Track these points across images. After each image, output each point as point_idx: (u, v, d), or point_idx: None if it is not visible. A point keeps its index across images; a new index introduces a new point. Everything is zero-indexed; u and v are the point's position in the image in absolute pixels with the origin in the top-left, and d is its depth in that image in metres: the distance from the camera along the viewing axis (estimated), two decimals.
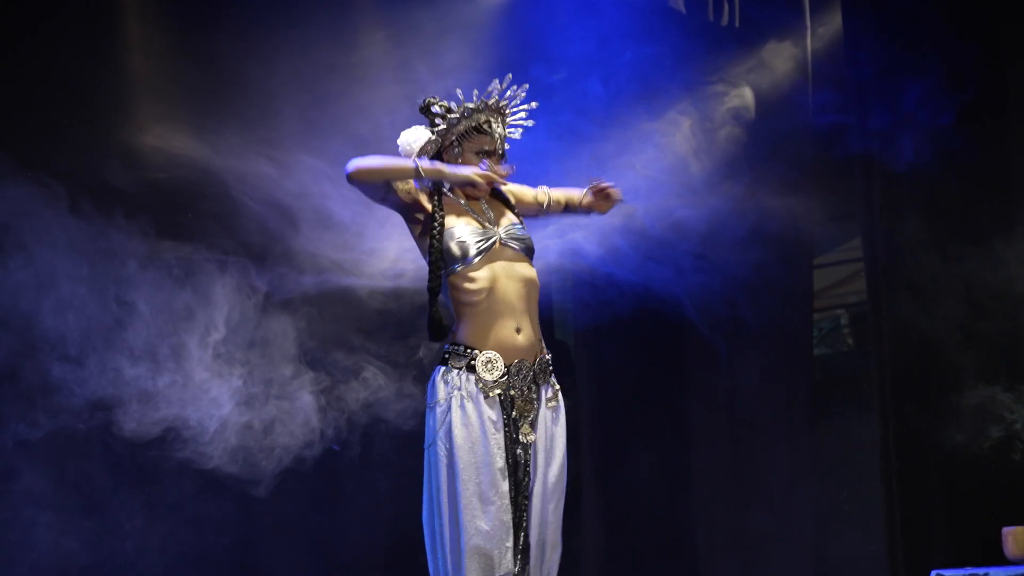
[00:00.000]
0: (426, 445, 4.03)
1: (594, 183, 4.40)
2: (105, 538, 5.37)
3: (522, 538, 3.96)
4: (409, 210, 4.15)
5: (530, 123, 4.33)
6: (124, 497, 5.43)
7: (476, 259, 4.06)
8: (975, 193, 6.65)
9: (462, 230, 4.09)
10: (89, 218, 5.22)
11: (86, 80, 5.39)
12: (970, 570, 5.77)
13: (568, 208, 4.47)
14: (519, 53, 6.21)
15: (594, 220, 5.03)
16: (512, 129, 4.30)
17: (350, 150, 4.96)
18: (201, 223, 5.56)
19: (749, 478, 7.18)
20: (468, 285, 4.06)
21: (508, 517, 3.94)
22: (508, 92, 4.23)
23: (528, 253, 4.18)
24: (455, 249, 4.06)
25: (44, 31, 5.34)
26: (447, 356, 4.07)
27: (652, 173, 6.70)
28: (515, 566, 3.92)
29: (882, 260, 6.85)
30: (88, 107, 5.40)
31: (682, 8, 7.02)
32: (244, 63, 5.63)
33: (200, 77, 5.61)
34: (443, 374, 4.05)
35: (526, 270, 4.14)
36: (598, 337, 6.92)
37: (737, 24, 7.15)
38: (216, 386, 5.41)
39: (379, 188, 4.10)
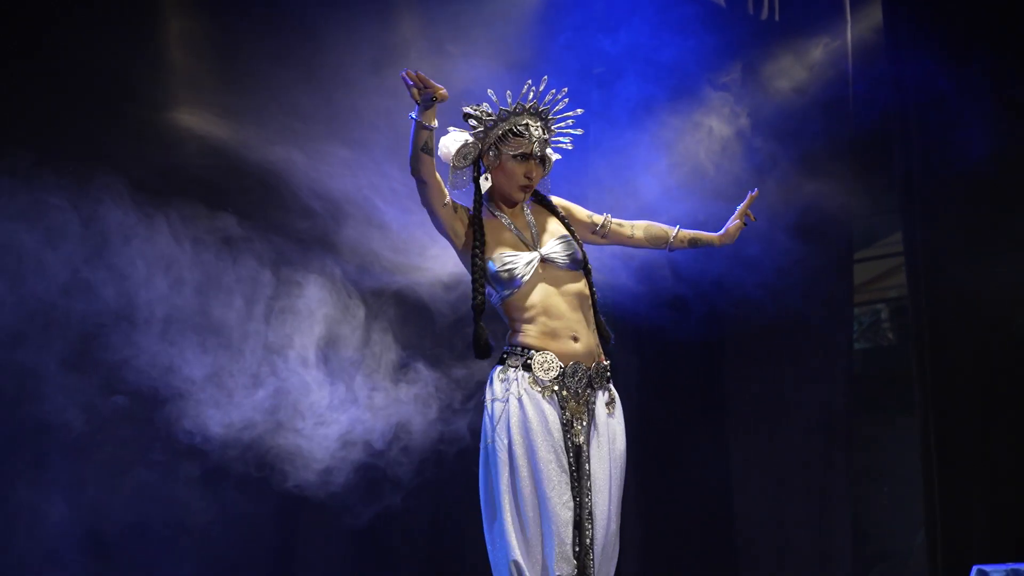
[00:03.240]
0: (484, 442, 4.06)
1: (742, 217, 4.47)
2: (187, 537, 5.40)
3: (587, 537, 3.96)
4: (451, 229, 4.11)
5: (579, 131, 4.29)
6: (206, 497, 5.44)
7: (523, 283, 4.08)
8: (1016, 189, 6.62)
9: (504, 255, 4.09)
10: (153, 210, 5.23)
11: (122, 71, 5.38)
12: (1012, 565, 5.74)
13: (657, 242, 4.44)
14: (554, 45, 6.20)
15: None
16: (561, 138, 4.27)
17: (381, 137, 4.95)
18: (267, 219, 5.56)
19: (789, 473, 7.16)
20: (520, 307, 4.10)
21: (569, 513, 3.95)
22: (548, 96, 4.18)
23: (574, 265, 4.16)
24: (502, 275, 4.08)
25: (78, 23, 5.33)
26: (505, 356, 4.10)
27: (688, 168, 6.70)
28: (574, 563, 3.93)
29: (922, 255, 6.83)
30: (122, 97, 5.38)
31: (721, 1, 7.00)
32: (275, 49, 5.61)
33: (235, 64, 5.60)
34: (499, 372, 4.08)
35: (574, 284, 4.14)
36: (637, 335, 6.92)
37: (777, 18, 7.13)
38: (301, 385, 5.43)
39: (428, 197, 4.05)
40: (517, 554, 3.92)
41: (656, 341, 6.84)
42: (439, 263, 5.75)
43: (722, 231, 4.50)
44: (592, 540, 3.97)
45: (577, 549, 3.94)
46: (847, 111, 7.13)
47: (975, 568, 5.79)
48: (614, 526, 4.09)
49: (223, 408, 5.31)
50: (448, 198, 4.08)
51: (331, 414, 5.52)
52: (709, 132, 6.77)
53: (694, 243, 4.47)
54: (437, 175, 4.04)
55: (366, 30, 5.77)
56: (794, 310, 7.03)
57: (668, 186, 6.55)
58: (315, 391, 5.50)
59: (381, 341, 5.75)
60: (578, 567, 3.94)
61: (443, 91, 3.86)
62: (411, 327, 5.89)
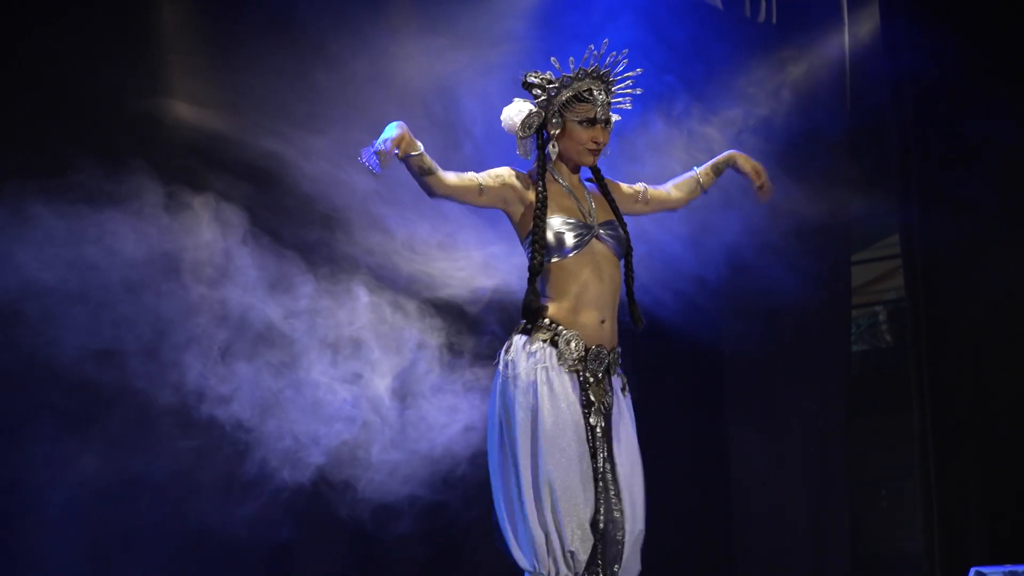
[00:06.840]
0: (497, 415, 3.99)
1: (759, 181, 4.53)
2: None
3: (599, 522, 3.96)
4: (501, 202, 4.10)
5: (638, 91, 4.27)
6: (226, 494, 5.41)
7: (571, 253, 4.07)
8: (1014, 188, 6.61)
9: (561, 221, 4.09)
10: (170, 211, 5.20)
11: (117, 59, 5.32)
12: (1010, 567, 5.73)
13: (692, 191, 4.51)
14: (548, 43, 6.17)
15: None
16: (620, 99, 4.25)
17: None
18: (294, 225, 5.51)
19: (786, 475, 7.16)
20: (559, 276, 4.07)
21: (591, 496, 3.95)
22: (608, 59, 4.17)
23: (619, 251, 4.18)
24: (551, 239, 4.06)
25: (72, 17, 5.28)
26: (530, 327, 4.06)
27: (683, 170, 6.67)
28: (583, 546, 3.92)
29: (920, 256, 6.82)
30: (116, 83, 5.33)
31: (719, 4, 7.00)
32: (272, 37, 5.58)
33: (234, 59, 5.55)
34: (526, 345, 4.04)
35: (614, 268, 4.16)
36: (633, 333, 6.88)
37: (774, 20, 7.13)
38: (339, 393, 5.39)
39: (463, 202, 4.07)
40: (541, 534, 3.88)
41: (654, 340, 6.81)
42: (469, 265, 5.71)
43: (727, 154, 4.57)
44: (623, 529, 3.96)
45: (598, 535, 3.93)
46: (844, 112, 7.14)
47: (973, 570, 5.78)
48: (641, 525, 4.06)
49: (267, 413, 5.26)
50: (479, 181, 4.05)
51: (395, 424, 5.47)
52: (705, 134, 6.77)
53: (717, 171, 4.55)
54: (450, 178, 3.99)
55: (358, 20, 5.73)
56: (792, 312, 7.02)
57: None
58: (371, 400, 5.44)
59: (422, 343, 5.68)
60: (592, 552, 3.93)
61: (408, 144, 3.84)
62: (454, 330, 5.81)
